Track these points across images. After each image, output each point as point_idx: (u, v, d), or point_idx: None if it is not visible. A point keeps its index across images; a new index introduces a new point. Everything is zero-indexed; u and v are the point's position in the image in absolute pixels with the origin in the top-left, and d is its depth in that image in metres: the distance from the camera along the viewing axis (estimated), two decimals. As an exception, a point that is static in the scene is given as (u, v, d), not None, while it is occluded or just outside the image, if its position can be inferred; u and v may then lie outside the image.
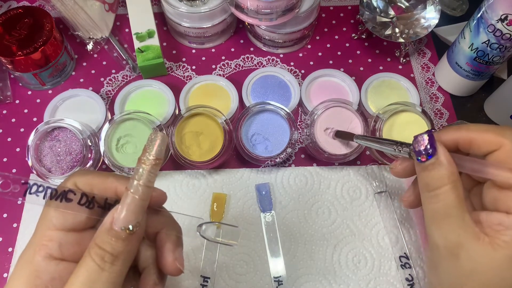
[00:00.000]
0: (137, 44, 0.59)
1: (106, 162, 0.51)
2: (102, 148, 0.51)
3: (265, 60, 0.64)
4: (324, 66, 0.61)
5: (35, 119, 0.58)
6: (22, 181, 0.26)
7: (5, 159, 0.55)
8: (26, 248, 0.27)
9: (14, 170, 0.55)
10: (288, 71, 0.61)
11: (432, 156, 0.31)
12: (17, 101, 0.60)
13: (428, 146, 0.31)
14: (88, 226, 0.28)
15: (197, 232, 0.30)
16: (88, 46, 0.63)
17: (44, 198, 0.26)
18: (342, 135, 0.51)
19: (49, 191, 0.26)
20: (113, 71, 0.62)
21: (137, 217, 0.25)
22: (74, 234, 0.27)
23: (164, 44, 0.65)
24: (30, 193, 0.26)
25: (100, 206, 0.27)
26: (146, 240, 0.29)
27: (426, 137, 0.32)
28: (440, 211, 0.31)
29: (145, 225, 0.27)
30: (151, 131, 0.52)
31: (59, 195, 0.26)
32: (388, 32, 0.59)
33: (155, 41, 0.59)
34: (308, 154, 0.56)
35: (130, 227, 0.25)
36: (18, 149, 0.56)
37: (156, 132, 0.27)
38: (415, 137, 0.33)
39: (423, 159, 0.31)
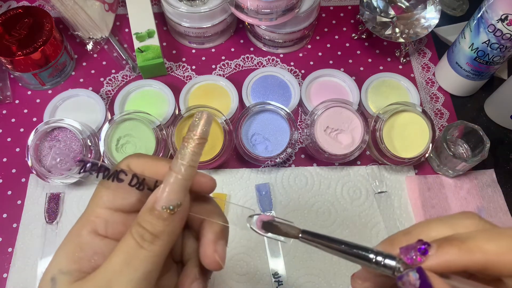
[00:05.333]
0: (137, 44, 0.59)
1: (106, 162, 0.51)
2: (102, 148, 0.51)
3: (265, 60, 0.63)
4: (324, 66, 0.61)
5: (35, 119, 0.58)
6: (78, 159, 0.26)
7: (4, 159, 0.55)
8: (76, 223, 0.28)
9: (14, 170, 0.55)
10: (288, 71, 0.61)
11: None
12: (17, 101, 0.60)
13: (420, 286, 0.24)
14: (136, 209, 0.28)
15: (247, 224, 0.29)
16: (88, 46, 0.63)
17: (97, 176, 0.26)
18: (274, 229, 0.30)
19: (102, 169, 0.26)
20: (113, 71, 0.62)
21: (179, 197, 0.25)
22: (121, 215, 0.27)
23: (164, 44, 0.65)
24: (84, 171, 0.26)
25: (150, 188, 0.27)
26: (192, 231, 0.29)
27: (415, 276, 0.24)
28: None
29: (188, 208, 0.26)
30: (151, 131, 0.52)
31: (111, 175, 0.26)
32: (388, 32, 0.59)
33: (155, 41, 0.59)
34: (308, 154, 0.56)
35: (171, 207, 0.25)
36: (18, 149, 0.56)
37: (201, 111, 0.26)
38: (400, 277, 0.24)
39: None
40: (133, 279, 0.24)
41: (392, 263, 0.25)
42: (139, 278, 0.24)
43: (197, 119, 0.26)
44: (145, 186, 0.26)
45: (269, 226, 0.29)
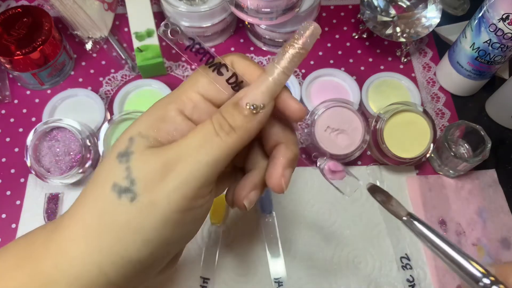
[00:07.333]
0: (136, 44, 0.58)
1: (105, 162, 0.51)
2: (101, 149, 0.51)
3: (265, 59, 0.63)
4: (325, 66, 0.61)
5: (33, 119, 0.58)
6: (188, 43, 0.26)
7: (3, 159, 0.55)
8: (164, 97, 0.28)
9: (12, 171, 0.54)
10: (288, 70, 0.61)
11: None
12: (15, 101, 0.59)
13: None
14: None
15: (317, 163, 0.30)
16: (87, 45, 0.63)
17: (201, 60, 0.26)
18: (381, 195, 0.32)
19: (207, 56, 0.26)
20: (112, 70, 0.62)
21: (264, 98, 0.25)
22: (209, 105, 0.28)
23: (164, 43, 0.64)
24: (191, 50, 0.26)
25: None
26: (261, 147, 0.30)
27: None
28: None
29: (269, 114, 0.27)
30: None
31: (214, 65, 0.26)
32: (389, 31, 0.58)
33: (154, 41, 0.59)
34: (308, 154, 0.56)
35: (254, 105, 0.25)
36: (16, 149, 0.56)
37: (310, 22, 0.26)
38: None
39: None
40: (202, 161, 0.25)
41: None
42: (207, 162, 0.25)
43: (303, 30, 0.25)
44: (240, 88, 0.27)
45: (377, 190, 0.30)
